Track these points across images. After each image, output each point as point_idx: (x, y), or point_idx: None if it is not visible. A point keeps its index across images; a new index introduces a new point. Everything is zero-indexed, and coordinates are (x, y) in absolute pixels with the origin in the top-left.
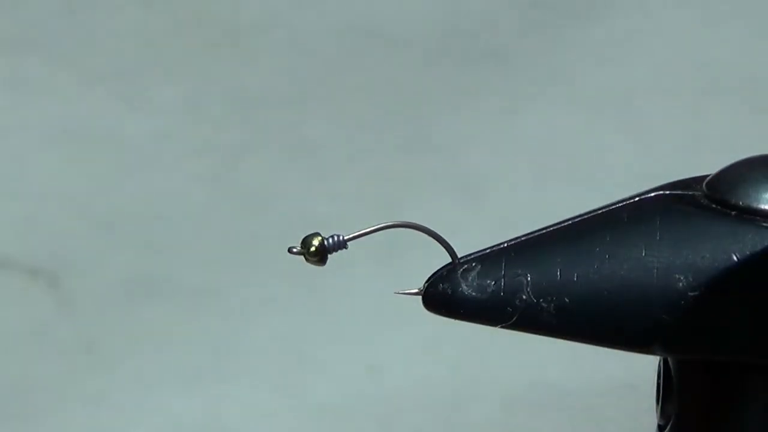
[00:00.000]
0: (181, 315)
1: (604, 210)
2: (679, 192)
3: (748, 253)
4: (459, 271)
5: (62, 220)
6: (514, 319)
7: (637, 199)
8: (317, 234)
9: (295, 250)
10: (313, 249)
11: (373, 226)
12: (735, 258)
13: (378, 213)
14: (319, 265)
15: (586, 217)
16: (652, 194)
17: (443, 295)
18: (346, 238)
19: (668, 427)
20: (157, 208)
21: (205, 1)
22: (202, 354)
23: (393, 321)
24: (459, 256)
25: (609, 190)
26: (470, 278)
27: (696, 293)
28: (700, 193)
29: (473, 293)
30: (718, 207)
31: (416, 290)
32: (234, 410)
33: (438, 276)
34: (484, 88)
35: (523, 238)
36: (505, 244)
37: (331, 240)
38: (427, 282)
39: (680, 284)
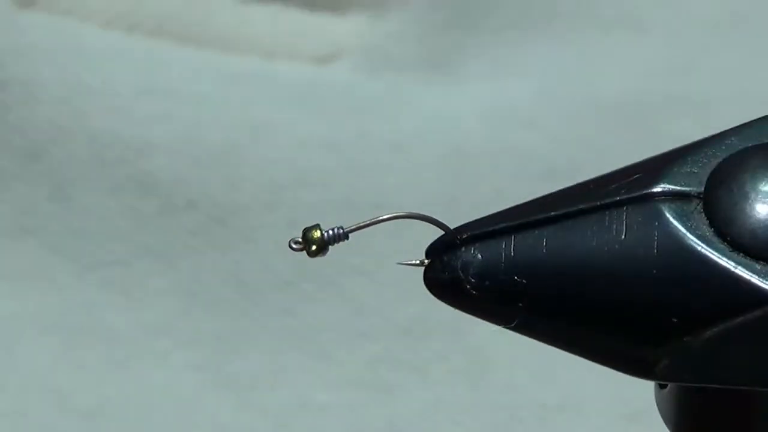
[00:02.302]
0: None
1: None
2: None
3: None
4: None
5: (47, 414)
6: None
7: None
8: (317, 226)
9: (295, 246)
10: (312, 240)
11: (376, 217)
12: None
13: (379, 400)
14: (320, 256)
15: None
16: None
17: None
18: (347, 230)
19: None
20: (144, 401)
21: (201, 181)
22: None
23: None
24: None
25: None
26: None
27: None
28: (699, 203)
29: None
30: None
31: (417, 261)
32: None
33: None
34: None
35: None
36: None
37: (331, 232)
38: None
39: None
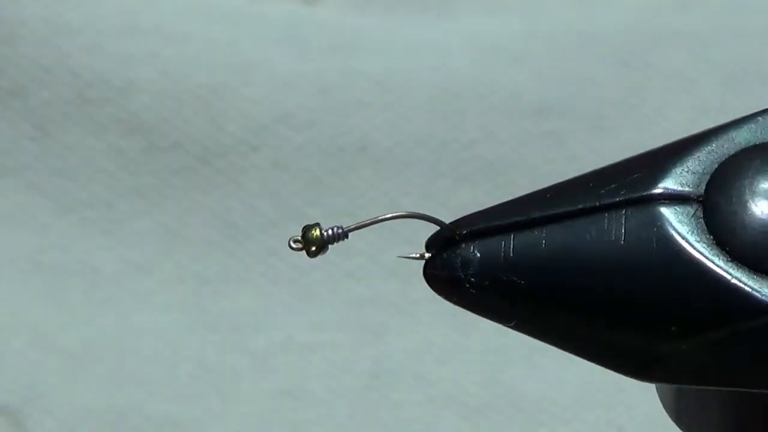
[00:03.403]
0: None
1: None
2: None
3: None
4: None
5: (28, 354)
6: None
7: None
8: (317, 225)
9: (294, 245)
10: (312, 240)
11: (376, 217)
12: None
13: (364, 341)
14: (320, 255)
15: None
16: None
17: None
18: (346, 229)
19: None
20: (128, 341)
21: (185, 121)
22: None
23: None
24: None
25: None
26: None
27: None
28: (698, 207)
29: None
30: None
31: (417, 254)
32: None
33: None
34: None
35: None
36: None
37: (330, 231)
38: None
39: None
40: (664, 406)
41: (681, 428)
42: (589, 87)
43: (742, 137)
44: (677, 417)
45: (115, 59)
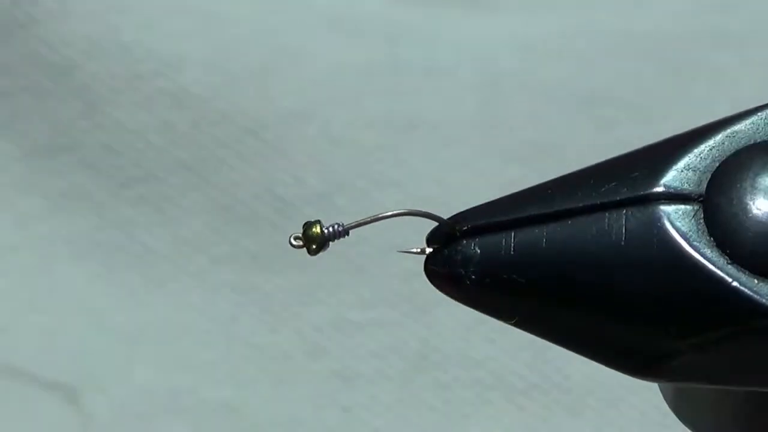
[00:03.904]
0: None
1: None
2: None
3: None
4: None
5: (84, 334)
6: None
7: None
8: (318, 222)
9: (295, 243)
10: (313, 238)
11: (377, 214)
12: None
13: (413, 318)
14: (321, 252)
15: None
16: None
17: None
18: (347, 226)
19: None
20: (182, 321)
21: (234, 96)
22: None
23: None
24: None
25: None
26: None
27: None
28: (699, 207)
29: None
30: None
31: (418, 249)
32: None
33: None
34: None
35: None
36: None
37: (331, 228)
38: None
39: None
40: (665, 398)
41: (680, 420)
42: (635, 81)
43: (743, 133)
44: (676, 409)
45: (165, 35)
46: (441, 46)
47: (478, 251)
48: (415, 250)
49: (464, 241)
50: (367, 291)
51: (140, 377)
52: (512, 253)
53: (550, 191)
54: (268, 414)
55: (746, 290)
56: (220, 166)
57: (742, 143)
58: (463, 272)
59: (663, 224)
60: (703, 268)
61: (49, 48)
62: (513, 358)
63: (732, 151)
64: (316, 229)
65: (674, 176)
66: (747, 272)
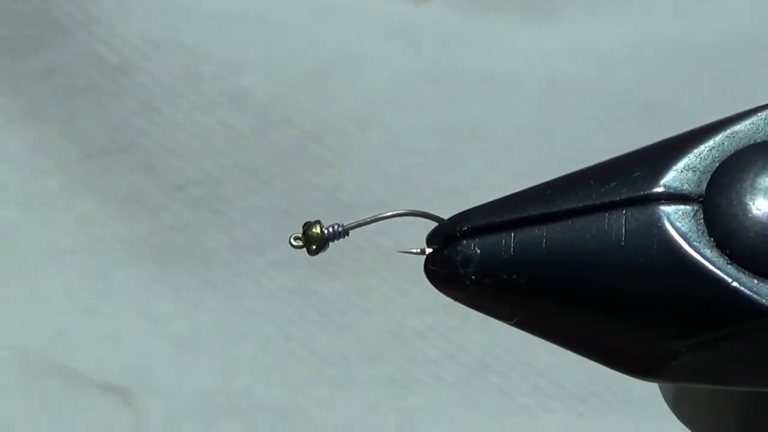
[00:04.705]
0: None
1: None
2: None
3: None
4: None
5: (141, 337)
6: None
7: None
8: (317, 222)
9: (295, 243)
10: (313, 238)
11: (377, 215)
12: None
13: (473, 326)
14: (321, 253)
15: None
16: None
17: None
18: (347, 226)
19: None
20: (239, 325)
21: (296, 100)
22: None
23: None
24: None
25: None
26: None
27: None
28: (698, 207)
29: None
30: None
31: (418, 250)
32: None
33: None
34: None
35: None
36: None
37: (331, 229)
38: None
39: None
40: (665, 398)
41: (680, 420)
42: (695, 91)
43: (743, 134)
44: (676, 409)
45: (226, 39)
46: (501, 54)
47: (478, 251)
48: (415, 250)
49: (464, 242)
50: (427, 298)
51: (196, 380)
52: (512, 253)
53: (550, 191)
54: (325, 419)
55: (746, 290)
56: (280, 170)
57: (742, 143)
58: (462, 272)
59: (663, 224)
60: (703, 268)
61: (108, 48)
62: (573, 366)
63: (732, 152)
64: (316, 230)
65: (674, 176)
66: (747, 272)
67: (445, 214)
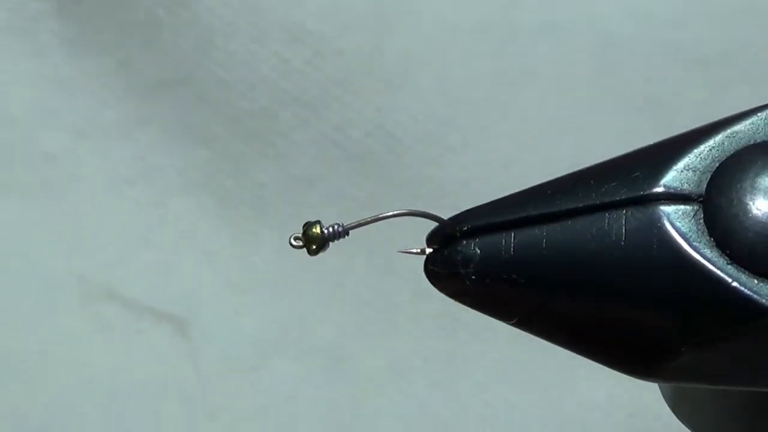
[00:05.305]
0: (311, 377)
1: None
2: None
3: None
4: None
5: (196, 269)
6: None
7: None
8: (317, 222)
9: (295, 243)
10: (313, 238)
11: (377, 215)
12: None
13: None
14: (320, 252)
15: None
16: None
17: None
18: (347, 226)
19: None
20: (292, 270)
21: (349, 35)
22: (329, 420)
23: None
24: None
25: None
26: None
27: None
28: (699, 207)
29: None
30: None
31: (418, 250)
32: None
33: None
34: None
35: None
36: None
37: (331, 229)
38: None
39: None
40: (665, 398)
41: (680, 420)
42: (747, 47)
43: (743, 134)
44: (676, 409)
45: None
46: (555, 6)
47: (478, 251)
48: (415, 250)
49: (464, 242)
50: None
51: (249, 316)
52: (512, 253)
53: (550, 191)
54: (375, 359)
55: (746, 290)
56: (332, 103)
57: (742, 143)
58: (463, 272)
59: (663, 224)
60: (703, 268)
61: None
62: None
63: (732, 152)
64: (316, 230)
65: (674, 176)
66: (747, 272)
67: (490, 158)
